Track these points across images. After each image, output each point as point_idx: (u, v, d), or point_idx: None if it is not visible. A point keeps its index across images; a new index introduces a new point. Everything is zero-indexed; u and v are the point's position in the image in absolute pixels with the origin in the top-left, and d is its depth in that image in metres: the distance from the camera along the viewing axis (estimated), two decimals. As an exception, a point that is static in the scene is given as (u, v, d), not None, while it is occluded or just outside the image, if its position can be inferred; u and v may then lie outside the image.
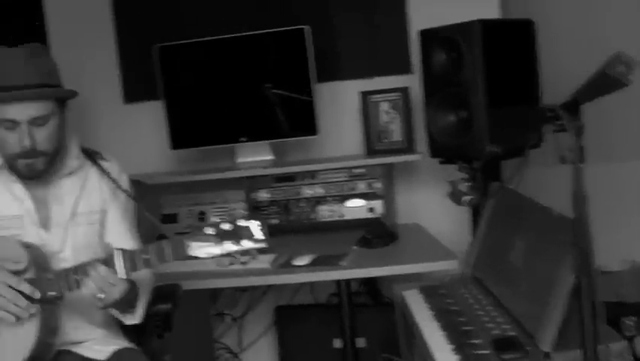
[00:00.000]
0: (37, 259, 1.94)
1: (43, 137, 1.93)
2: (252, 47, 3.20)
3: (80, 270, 1.87)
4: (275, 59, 3.22)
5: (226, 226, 1.81)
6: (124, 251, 1.86)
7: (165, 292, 2.37)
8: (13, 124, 1.90)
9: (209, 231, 1.80)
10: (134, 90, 3.53)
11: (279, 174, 3.18)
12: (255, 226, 1.84)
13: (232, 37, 3.20)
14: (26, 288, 1.85)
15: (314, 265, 2.70)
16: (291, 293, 3.46)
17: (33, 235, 2.00)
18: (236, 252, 1.85)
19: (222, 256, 1.84)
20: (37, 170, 1.97)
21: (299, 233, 3.18)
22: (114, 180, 2.12)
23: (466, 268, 2.48)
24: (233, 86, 3.24)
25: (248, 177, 3.19)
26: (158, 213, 2.76)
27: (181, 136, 3.29)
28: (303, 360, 3.31)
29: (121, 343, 2.14)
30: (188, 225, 3.20)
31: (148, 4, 3.47)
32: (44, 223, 2.04)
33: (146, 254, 1.86)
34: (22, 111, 1.90)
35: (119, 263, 1.85)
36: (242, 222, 1.82)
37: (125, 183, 2.18)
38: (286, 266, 2.73)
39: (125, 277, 1.87)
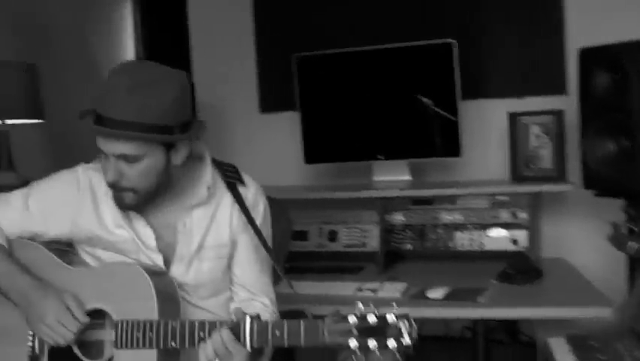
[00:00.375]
0: (165, 291, 1.81)
1: (131, 174, 1.76)
2: (395, 59, 3.04)
3: (209, 327, 1.71)
4: (418, 73, 3.04)
5: (371, 319, 1.58)
6: (256, 320, 1.68)
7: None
8: (105, 154, 1.78)
9: (351, 319, 1.59)
10: (271, 100, 3.46)
11: (416, 197, 2.99)
12: (405, 327, 1.57)
13: (374, 49, 3.06)
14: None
15: (449, 299, 2.49)
16: (420, 322, 3.24)
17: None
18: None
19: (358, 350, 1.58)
20: (125, 204, 1.80)
21: (433, 261, 2.99)
22: (247, 212, 1.93)
23: (623, 319, 2.20)
24: (373, 100, 3.10)
25: (382, 198, 3.02)
26: (289, 229, 2.65)
27: (316, 150, 3.17)
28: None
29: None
30: (318, 244, 3.07)
31: (288, 14, 3.40)
32: (166, 255, 1.90)
33: (279, 330, 1.65)
34: (109, 146, 1.73)
35: (247, 332, 1.67)
36: (391, 319, 1.58)
37: (260, 212, 1.99)
38: (419, 297, 2.54)
39: (249, 350, 1.69)
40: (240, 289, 1.98)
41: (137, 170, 1.75)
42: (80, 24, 4.32)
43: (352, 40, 3.18)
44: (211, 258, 1.92)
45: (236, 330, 1.67)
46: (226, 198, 1.94)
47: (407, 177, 3.10)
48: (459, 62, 2.94)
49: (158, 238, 1.88)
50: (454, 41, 2.93)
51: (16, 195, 1.93)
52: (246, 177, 1.99)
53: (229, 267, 1.97)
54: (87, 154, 4.12)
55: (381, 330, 1.55)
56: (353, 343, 1.56)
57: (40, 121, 3.23)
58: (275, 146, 3.43)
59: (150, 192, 1.81)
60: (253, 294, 1.97)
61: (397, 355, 1.56)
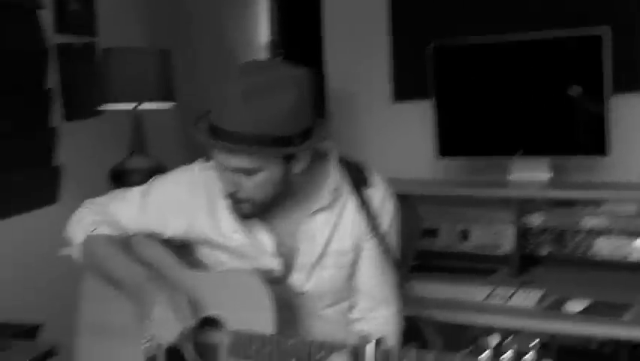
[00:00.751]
0: (282, 300, 1.72)
1: (248, 186, 1.68)
2: (539, 49, 2.82)
3: (328, 349, 1.60)
4: (564, 64, 2.81)
5: (508, 357, 1.40)
6: (380, 347, 1.55)
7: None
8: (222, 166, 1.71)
9: (486, 356, 1.41)
10: (405, 88, 3.32)
11: (556, 198, 2.77)
12: None
13: (517, 39, 2.85)
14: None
15: (589, 313, 2.29)
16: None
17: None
18: None
19: None
20: (243, 213, 1.74)
21: (571, 268, 2.77)
22: (372, 218, 1.82)
23: None
24: (514, 91, 2.89)
25: (520, 197, 2.82)
26: (418, 226, 2.51)
27: (450, 143, 3.00)
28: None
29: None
30: (449, 243, 2.91)
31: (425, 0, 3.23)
32: (286, 262, 1.82)
33: (407, 358, 1.52)
34: (225, 159, 1.66)
35: (369, 358, 1.54)
36: (531, 359, 1.39)
37: (387, 217, 1.86)
38: (554, 309, 2.35)
39: None
40: (362, 299, 1.87)
41: (254, 182, 1.67)
42: (215, 9, 4.34)
43: (492, 26, 2.99)
44: (333, 266, 1.82)
45: (358, 355, 1.55)
46: (351, 202, 1.82)
47: (547, 176, 2.88)
48: (611, 51, 2.69)
49: (278, 245, 1.80)
50: (605, 27, 2.68)
51: (134, 193, 1.91)
52: (374, 177, 1.87)
53: (351, 275, 1.86)
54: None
55: None
56: None
57: (172, 104, 3.25)
58: (407, 137, 3.29)
59: (268, 202, 1.73)
60: (376, 303, 1.86)
61: None
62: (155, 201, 1.87)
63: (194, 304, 1.71)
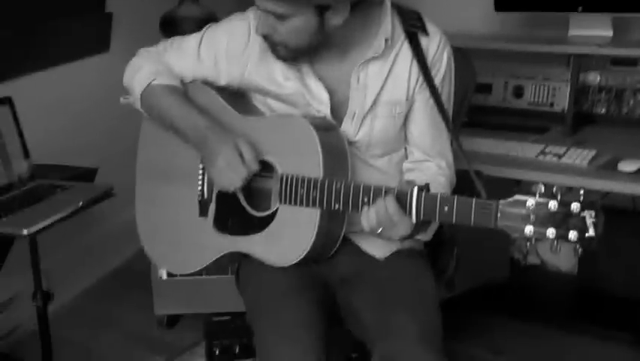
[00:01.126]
0: (333, 147, 1.72)
1: (282, 30, 1.65)
2: None
3: (374, 192, 1.61)
4: None
5: (551, 206, 1.39)
6: (424, 192, 1.55)
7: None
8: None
9: (530, 203, 1.41)
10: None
11: (617, 56, 2.68)
12: (591, 218, 1.37)
13: None
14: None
15: (642, 173, 2.27)
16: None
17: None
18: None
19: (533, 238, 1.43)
20: (279, 55, 1.72)
21: (627, 129, 2.71)
22: (427, 69, 1.77)
23: None
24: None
25: (577, 55, 2.73)
26: (472, 81, 2.46)
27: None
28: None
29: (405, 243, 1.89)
30: (502, 98, 2.87)
31: None
32: (338, 110, 1.80)
33: (447, 205, 1.52)
34: (263, 1, 1.64)
35: (413, 203, 1.55)
36: (575, 208, 1.38)
37: (442, 68, 1.81)
38: (608, 168, 2.33)
39: (414, 221, 1.58)
40: (415, 150, 1.86)
41: (287, 28, 1.65)
42: None
43: None
44: (385, 115, 1.80)
45: (402, 200, 1.57)
46: (405, 51, 1.78)
47: (608, 33, 2.77)
48: None
49: (330, 93, 1.78)
50: None
51: (189, 42, 1.90)
52: (430, 26, 1.80)
53: (404, 125, 1.85)
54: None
55: (563, 219, 1.38)
56: (528, 229, 1.42)
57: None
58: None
59: (304, 49, 1.70)
60: (429, 155, 1.86)
61: (578, 248, 1.41)
62: (210, 50, 1.86)
63: (254, 149, 1.73)
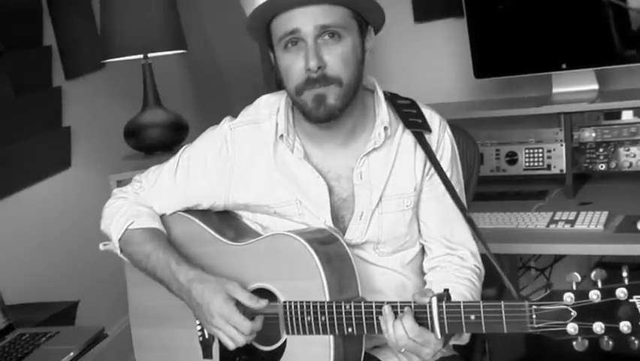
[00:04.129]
0: (335, 260, 1.53)
1: (334, 58, 1.48)
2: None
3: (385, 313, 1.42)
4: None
5: (593, 296, 1.23)
6: (443, 300, 1.37)
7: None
8: (297, 41, 1.48)
9: (567, 296, 1.25)
10: (427, 7, 3.10)
11: (609, 110, 2.57)
12: None
13: None
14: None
15: (666, 230, 2.13)
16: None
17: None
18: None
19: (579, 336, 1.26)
20: (328, 106, 1.50)
21: (629, 183, 2.59)
22: (431, 152, 1.62)
23: None
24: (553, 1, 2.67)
25: (567, 113, 2.62)
26: (476, 156, 2.29)
27: (487, 61, 2.78)
28: None
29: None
30: (496, 167, 2.73)
31: None
32: (339, 212, 1.63)
33: (474, 313, 1.34)
34: (306, 18, 1.46)
35: (435, 319, 1.37)
36: (621, 295, 1.21)
37: (447, 149, 1.67)
38: (627, 230, 2.19)
39: (439, 336, 1.39)
40: (435, 244, 1.69)
41: (340, 51, 1.49)
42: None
43: None
44: (393, 210, 1.64)
45: (421, 316, 1.38)
46: (406, 139, 1.64)
47: (594, 87, 2.68)
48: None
49: (331, 192, 1.61)
50: None
51: (164, 173, 1.74)
52: (425, 110, 1.68)
53: (416, 219, 1.68)
54: (228, 84, 3.95)
55: (610, 310, 1.21)
56: (572, 328, 1.24)
57: (183, 52, 3.02)
58: (436, 59, 3.09)
59: (352, 87, 1.53)
60: (449, 248, 1.68)
61: (635, 341, 1.23)
62: (187, 175, 1.69)
63: (243, 284, 1.53)
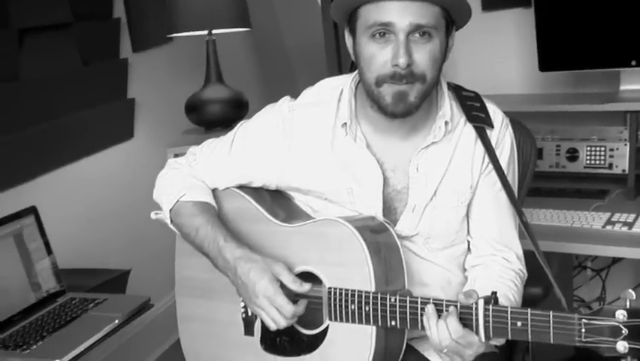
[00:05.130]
0: (385, 250, 1.51)
1: (422, 57, 1.45)
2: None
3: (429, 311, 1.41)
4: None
5: None
6: (490, 304, 1.36)
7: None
8: (386, 33, 1.45)
9: (619, 313, 1.22)
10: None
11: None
12: None
13: None
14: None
15: None
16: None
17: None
18: None
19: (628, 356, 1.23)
20: (408, 103, 1.48)
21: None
22: (492, 151, 1.60)
23: None
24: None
25: (634, 112, 2.54)
26: (533, 153, 2.24)
27: (553, 54, 2.70)
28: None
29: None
30: (556, 163, 2.67)
31: None
32: (392, 203, 1.61)
33: (521, 320, 1.32)
34: (402, 13, 1.43)
35: (481, 323, 1.36)
36: None
37: (507, 149, 1.64)
38: (687, 236, 2.12)
39: (483, 341, 1.37)
40: (481, 243, 1.66)
41: (429, 51, 1.47)
42: None
43: None
44: (447, 206, 1.61)
45: (467, 317, 1.37)
46: (466, 134, 1.61)
47: (662, 86, 2.59)
48: None
49: (385, 183, 1.60)
50: None
51: (220, 146, 1.74)
52: (489, 106, 1.65)
53: (467, 215, 1.66)
54: (291, 64, 3.96)
55: None
56: (622, 346, 1.22)
57: (247, 30, 3.04)
58: (500, 49, 3.02)
59: (433, 85, 1.52)
60: (496, 249, 1.65)
61: None
62: (242, 151, 1.70)
63: (289, 266, 1.53)
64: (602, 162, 2.60)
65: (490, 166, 1.61)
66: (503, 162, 1.62)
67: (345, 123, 1.59)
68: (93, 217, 2.92)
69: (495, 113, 1.64)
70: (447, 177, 1.60)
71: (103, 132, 3.03)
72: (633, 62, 2.57)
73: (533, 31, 2.73)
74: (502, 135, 1.64)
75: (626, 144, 2.55)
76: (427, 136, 1.59)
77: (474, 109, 1.62)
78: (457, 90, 1.64)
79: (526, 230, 1.58)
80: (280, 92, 1.80)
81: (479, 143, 1.60)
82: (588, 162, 2.63)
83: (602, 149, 2.60)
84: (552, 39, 2.70)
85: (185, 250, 1.75)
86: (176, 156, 2.60)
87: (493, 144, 1.61)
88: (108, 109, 3.04)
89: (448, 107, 1.59)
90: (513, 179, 1.67)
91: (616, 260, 2.91)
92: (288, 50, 3.98)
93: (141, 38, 3.23)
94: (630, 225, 2.23)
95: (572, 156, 2.65)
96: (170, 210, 1.70)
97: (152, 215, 1.78)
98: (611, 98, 2.60)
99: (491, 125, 1.61)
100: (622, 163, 2.56)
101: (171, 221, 1.71)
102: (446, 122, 1.58)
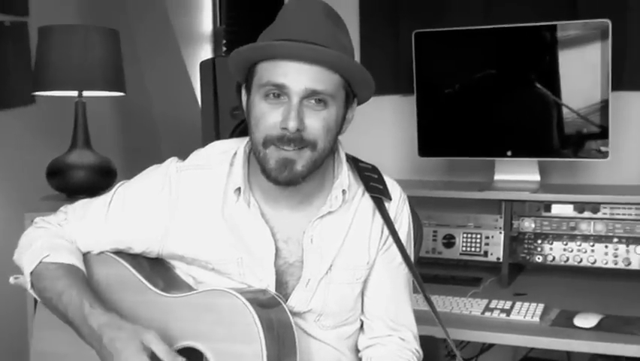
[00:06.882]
0: (277, 327, 1.41)
1: (315, 124, 1.39)
2: (531, 40, 2.60)
3: None
4: (556, 57, 2.60)
5: None
6: None
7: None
8: (280, 95, 1.38)
9: None
10: (377, 81, 3.06)
11: (549, 201, 2.55)
12: None
13: (507, 27, 2.62)
14: None
15: (602, 329, 2.08)
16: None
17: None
18: None
19: None
20: (293, 171, 1.40)
21: (565, 277, 2.56)
22: (390, 224, 1.54)
23: None
24: (503, 87, 2.67)
25: (508, 200, 2.59)
26: (420, 234, 2.24)
27: (431, 141, 2.75)
28: None
29: None
30: (432, 249, 2.66)
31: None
32: (283, 276, 1.51)
33: None
34: (298, 77, 1.36)
35: None
36: None
37: (405, 223, 1.60)
38: (564, 325, 2.13)
39: None
40: (377, 323, 1.59)
41: (322, 119, 1.40)
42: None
43: (480, 16, 2.78)
44: (343, 281, 1.53)
45: None
46: (364, 206, 1.55)
47: (535, 178, 2.67)
48: (610, 45, 2.48)
49: (277, 255, 1.50)
50: (607, 21, 2.47)
51: (96, 205, 1.57)
52: (386, 178, 1.61)
53: (362, 293, 1.58)
54: (166, 130, 3.82)
55: None
56: None
57: (121, 94, 2.89)
58: (380, 133, 3.04)
59: (323, 155, 1.43)
60: (392, 329, 1.58)
61: None
62: (121, 211, 1.54)
63: (165, 344, 1.35)
64: (478, 249, 2.62)
65: (390, 240, 1.55)
66: (402, 236, 1.57)
67: (239, 188, 1.48)
68: None
69: (393, 186, 1.60)
70: (343, 251, 1.52)
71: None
72: (509, 153, 2.64)
73: (413, 117, 2.77)
74: (401, 209, 1.59)
75: (501, 233, 2.59)
76: (323, 206, 1.51)
77: (372, 180, 1.57)
78: (355, 161, 1.59)
79: (430, 305, 1.52)
80: (147, 160, 1.69)
81: (377, 215, 1.54)
82: (464, 248, 2.64)
83: (478, 236, 2.62)
84: (432, 126, 2.75)
85: (44, 321, 1.55)
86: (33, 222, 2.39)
87: (392, 217, 1.55)
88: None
89: (345, 176, 1.53)
90: (411, 254, 1.61)
91: (485, 348, 2.91)
92: (157, 119, 3.85)
93: (2, 96, 3.01)
94: (508, 311, 2.23)
95: (449, 242, 2.65)
96: (31, 273, 1.49)
97: (11, 279, 1.57)
98: (487, 187, 2.64)
99: (389, 197, 1.56)
100: (497, 251, 2.59)
101: (32, 285, 1.50)
102: (344, 191, 1.51)
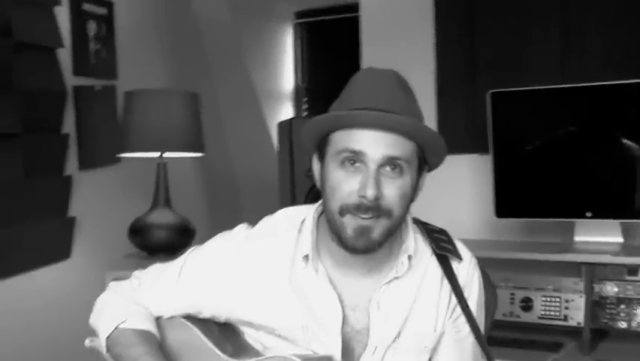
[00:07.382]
0: None
1: (391, 192, 1.38)
2: (612, 98, 2.55)
3: None
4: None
5: None
6: None
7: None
8: (356, 161, 1.38)
9: None
10: (452, 139, 3.04)
11: (632, 265, 2.46)
12: None
13: (588, 86, 2.58)
14: None
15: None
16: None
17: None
18: None
19: None
20: (370, 239, 1.39)
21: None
22: (460, 292, 1.51)
23: None
24: (585, 144, 2.62)
25: (588, 263, 2.51)
26: (494, 303, 2.19)
27: (509, 202, 2.71)
28: None
29: None
30: (509, 312, 2.60)
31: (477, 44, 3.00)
32: (350, 343, 1.49)
33: None
34: (375, 144, 1.37)
35: None
36: None
37: (475, 291, 1.57)
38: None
39: None
40: None
41: (398, 187, 1.39)
42: (240, 54, 4.10)
43: (558, 74, 2.74)
44: (411, 350, 1.50)
45: None
46: (432, 272, 1.52)
47: (618, 240, 2.59)
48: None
49: (344, 322, 1.48)
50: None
51: (168, 271, 1.60)
52: (457, 241, 1.57)
53: None
54: (246, 189, 3.89)
55: None
56: None
57: (200, 155, 2.97)
58: (456, 193, 3.01)
59: (398, 223, 1.43)
60: None
61: None
62: (192, 278, 1.57)
63: None
64: (557, 313, 2.53)
65: (458, 309, 1.51)
66: (472, 304, 1.53)
67: (307, 255, 1.49)
68: (24, 338, 2.70)
69: (463, 249, 1.57)
70: (411, 317, 1.49)
71: (39, 249, 2.86)
72: (588, 214, 2.57)
73: (489, 177, 2.73)
74: (472, 275, 1.55)
75: (581, 296, 2.50)
76: (390, 272, 1.50)
77: (442, 240, 1.54)
78: (423, 225, 1.57)
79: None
80: (227, 220, 1.71)
81: (446, 281, 1.51)
82: (543, 312, 2.56)
83: (557, 300, 2.54)
84: (509, 186, 2.71)
85: None
86: (115, 280, 2.46)
87: (461, 284, 1.52)
88: (46, 225, 2.90)
89: (412, 240, 1.51)
90: (481, 322, 1.57)
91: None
92: (238, 178, 3.93)
93: (89, 156, 3.15)
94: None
95: (527, 305, 2.58)
96: (107, 338, 1.53)
97: (87, 342, 1.61)
98: (567, 249, 2.57)
99: (459, 258, 1.53)
100: (577, 316, 2.50)
101: (107, 350, 1.54)
102: (409, 256, 1.49)
